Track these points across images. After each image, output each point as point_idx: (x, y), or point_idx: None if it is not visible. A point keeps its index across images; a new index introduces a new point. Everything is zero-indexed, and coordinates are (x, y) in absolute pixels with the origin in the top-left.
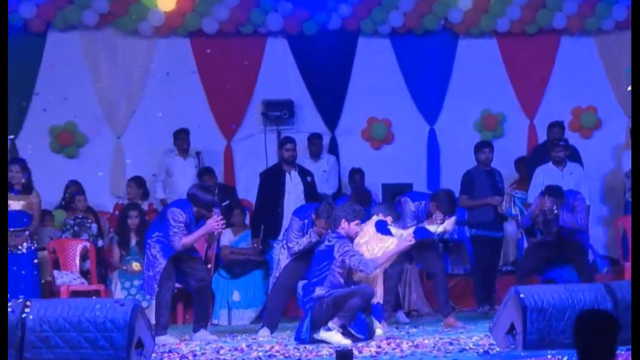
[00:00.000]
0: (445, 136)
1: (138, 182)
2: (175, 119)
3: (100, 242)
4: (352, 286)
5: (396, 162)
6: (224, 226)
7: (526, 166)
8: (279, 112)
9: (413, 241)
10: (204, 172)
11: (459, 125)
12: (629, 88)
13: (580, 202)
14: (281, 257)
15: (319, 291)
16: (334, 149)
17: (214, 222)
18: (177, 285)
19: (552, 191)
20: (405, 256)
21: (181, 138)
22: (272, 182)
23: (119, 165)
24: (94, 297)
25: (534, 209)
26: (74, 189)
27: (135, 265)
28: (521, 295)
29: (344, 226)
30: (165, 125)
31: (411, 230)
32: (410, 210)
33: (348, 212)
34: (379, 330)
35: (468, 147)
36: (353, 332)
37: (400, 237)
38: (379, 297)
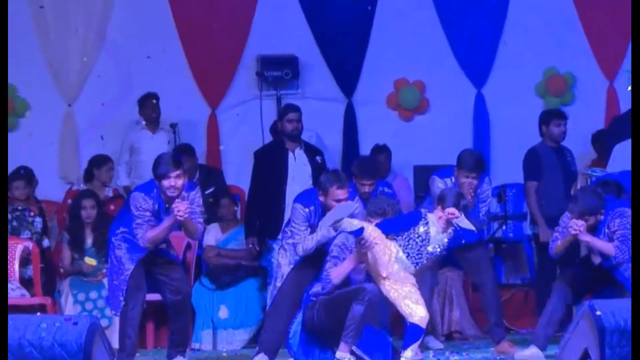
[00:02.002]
0: (497, 103)
1: (99, 162)
2: (142, 81)
3: (45, 242)
4: (352, 287)
5: (432, 137)
6: (187, 210)
7: (604, 142)
8: (279, 71)
9: (369, 240)
10: (180, 151)
11: (515, 88)
12: (629, 88)
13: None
14: (282, 261)
15: (316, 288)
16: (351, 120)
17: (175, 208)
18: (147, 297)
19: (588, 204)
20: (443, 261)
21: (149, 105)
22: (270, 164)
23: (69, 140)
24: (38, 314)
25: (563, 233)
26: (14, 173)
27: (89, 261)
28: (597, 313)
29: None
30: (127, 90)
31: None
32: (439, 188)
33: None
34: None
35: (528, 117)
36: (359, 353)
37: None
38: (417, 315)
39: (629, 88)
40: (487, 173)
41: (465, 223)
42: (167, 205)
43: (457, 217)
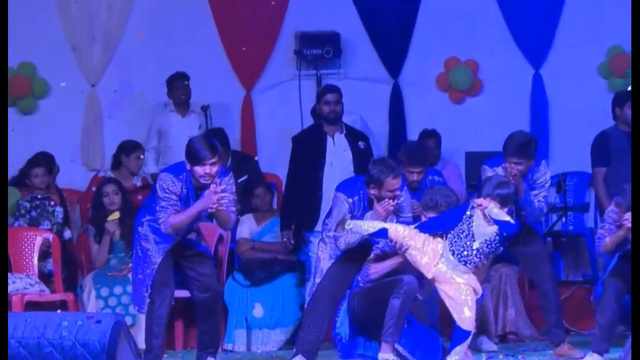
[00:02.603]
0: (556, 84)
1: (128, 149)
2: (171, 60)
3: (67, 234)
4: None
5: (486, 121)
6: (221, 201)
7: None
8: (320, 49)
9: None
10: (213, 135)
11: (576, 68)
12: (629, 88)
13: None
14: (322, 255)
15: (365, 272)
16: (397, 103)
17: (209, 195)
18: (175, 294)
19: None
20: (498, 256)
21: (179, 86)
22: (309, 150)
23: (93, 124)
24: (58, 311)
25: (611, 230)
26: (34, 159)
27: (113, 216)
28: None
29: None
30: (156, 71)
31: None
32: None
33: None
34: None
35: (590, 99)
36: (404, 353)
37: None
38: (462, 317)
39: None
40: (543, 156)
41: (497, 213)
42: (197, 192)
43: (484, 208)
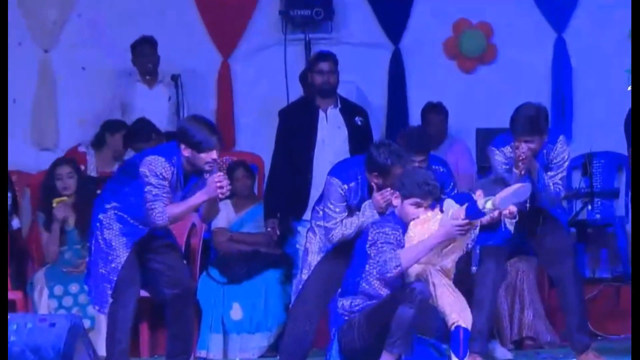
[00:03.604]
0: (582, 50)
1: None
2: (137, 23)
3: (15, 223)
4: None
5: (500, 93)
6: (227, 192)
7: None
8: (309, 10)
9: (465, 223)
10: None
11: (605, 32)
12: (629, 88)
13: None
14: (310, 247)
15: (343, 302)
16: (398, 72)
17: (215, 182)
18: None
19: None
20: (513, 249)
21: (145, 53)
22: (297, 126)
23: (45, 96)
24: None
25: None
26: None
27: (58, 200)
28: None
29: (396, 203)
30: (119, 34)
31: (458, 207)
32: (498, 162)
33: (405, 179)
34: None
35: (621, 68)
36: None
37: (444, 217)
38: (463, 317)
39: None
40: (565, 133)
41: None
42: (186, 179)
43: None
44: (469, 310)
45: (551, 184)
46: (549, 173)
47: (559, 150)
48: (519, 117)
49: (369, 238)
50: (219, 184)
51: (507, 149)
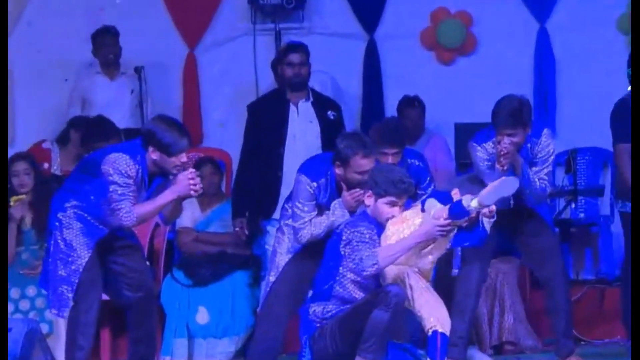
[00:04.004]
0: (566, 41)
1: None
2: (96, 12)
3: None
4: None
5: (480, 86)
6: (200, 189)
7: None
8: None
9: (447, 223)
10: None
11: (590, 22)
12: (629, 88)
13: None
14: (279, 248)
15: (314, 309)
16: (373, 64)
17: (187, 179)
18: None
19: None
20: (494, 249)
21: (107, 43)
22: (267, 120)
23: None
24: None
25: None
26: None
27: (15, 199)
28: None
29: (369, 202)
30: (79, 23)
31: (441, 206)
32: (479, 158)
33: (379, 177)
34: None
35: (607, 59)
36: None
37: (426, 217)
38: (441, 322)
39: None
40: (549, 127)
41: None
42: (151, 178)
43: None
44: (447, 314)
45: (536, 180)
46: (534, 168)
47: (544, 144)
48: (501, 110)
49: (343, 238)
50: (191, 181)
51: (489, 145)
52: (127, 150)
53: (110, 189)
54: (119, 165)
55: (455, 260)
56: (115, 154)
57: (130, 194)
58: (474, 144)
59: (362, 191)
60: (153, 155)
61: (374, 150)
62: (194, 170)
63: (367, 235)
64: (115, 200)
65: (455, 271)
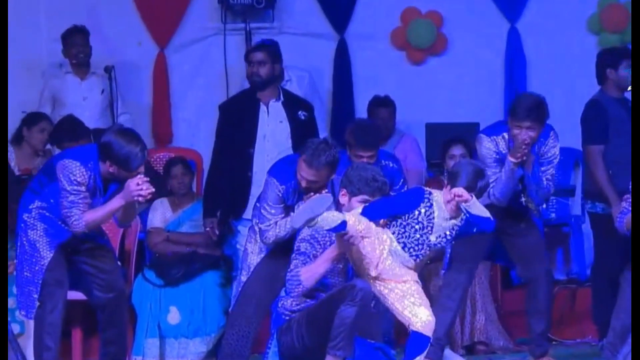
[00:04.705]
0: (537, 41)
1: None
2: (68, 11)
3: None
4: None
5: (451, 86)
6: (150, 194)
7: None
8: None
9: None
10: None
11: (561, 22)
12: (629, 88)
13: None
14: (250, 247)
15: (283, 302)
16: (343, 63)
17: (135, 185)
18: (70, 296)
19: None
20: (484, 253)
21: (76, 43)
22: (238, 120)
23: None
24: None
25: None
26: None
27: None
28: None
29: (343, 201)
30: (48, 23)
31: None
32: (487, 151)
33: (353, 177)
34: None
35: (577, 59)
36: None
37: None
38: (420, 320)
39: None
40: (551, 126)
41: (478, 208)
42: (105, 184)
43: (465, 201)
44: (432, 316)
45: (543, 179)
46: (541, 168)
47: (550, 145)
48: (522, 103)
49: (294, 246)
50: (137, 188)
51: (500, 138)
52: (80, 156)
53: (61, 196)
54: (69, 172)
55: (444, 261)
56: (67, 160)
57: (80, 200)
58: (483, 136)
59: (328, 194)
60: (110, 169)
61: (323, 163)
62: (142, 176)
63: (310, 246)
64: (65, 207)
65: (442, 272)
